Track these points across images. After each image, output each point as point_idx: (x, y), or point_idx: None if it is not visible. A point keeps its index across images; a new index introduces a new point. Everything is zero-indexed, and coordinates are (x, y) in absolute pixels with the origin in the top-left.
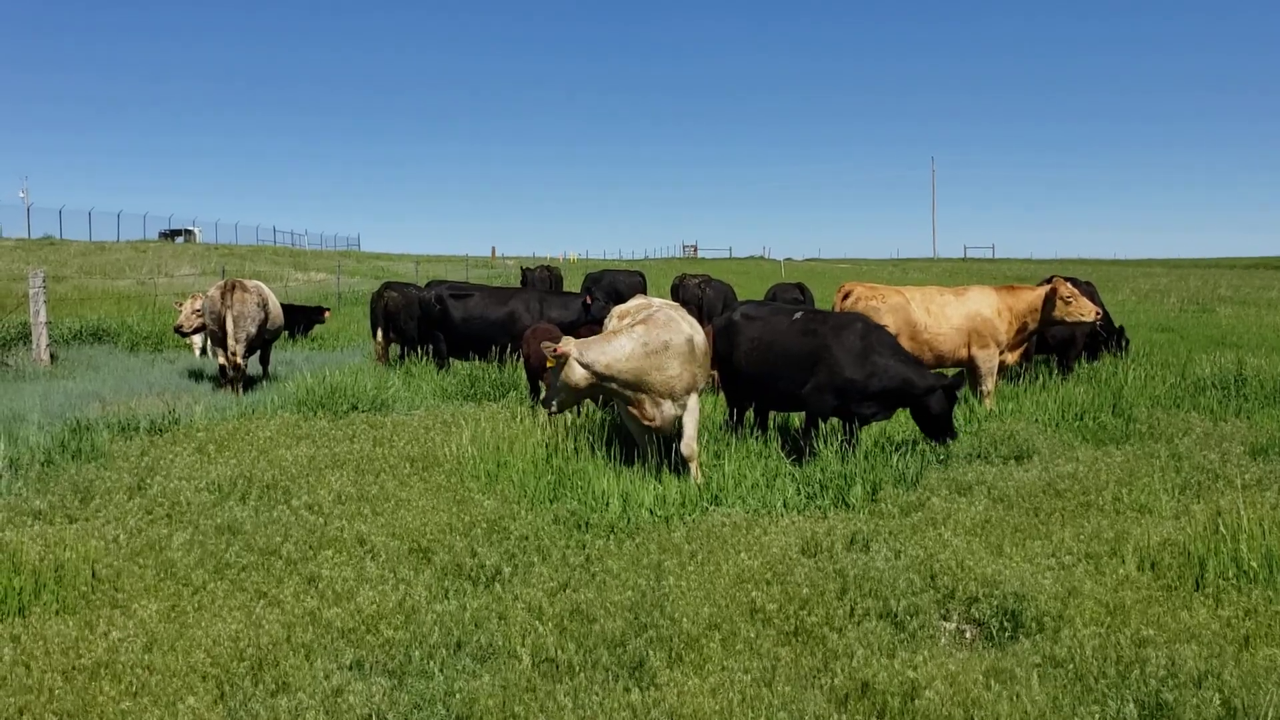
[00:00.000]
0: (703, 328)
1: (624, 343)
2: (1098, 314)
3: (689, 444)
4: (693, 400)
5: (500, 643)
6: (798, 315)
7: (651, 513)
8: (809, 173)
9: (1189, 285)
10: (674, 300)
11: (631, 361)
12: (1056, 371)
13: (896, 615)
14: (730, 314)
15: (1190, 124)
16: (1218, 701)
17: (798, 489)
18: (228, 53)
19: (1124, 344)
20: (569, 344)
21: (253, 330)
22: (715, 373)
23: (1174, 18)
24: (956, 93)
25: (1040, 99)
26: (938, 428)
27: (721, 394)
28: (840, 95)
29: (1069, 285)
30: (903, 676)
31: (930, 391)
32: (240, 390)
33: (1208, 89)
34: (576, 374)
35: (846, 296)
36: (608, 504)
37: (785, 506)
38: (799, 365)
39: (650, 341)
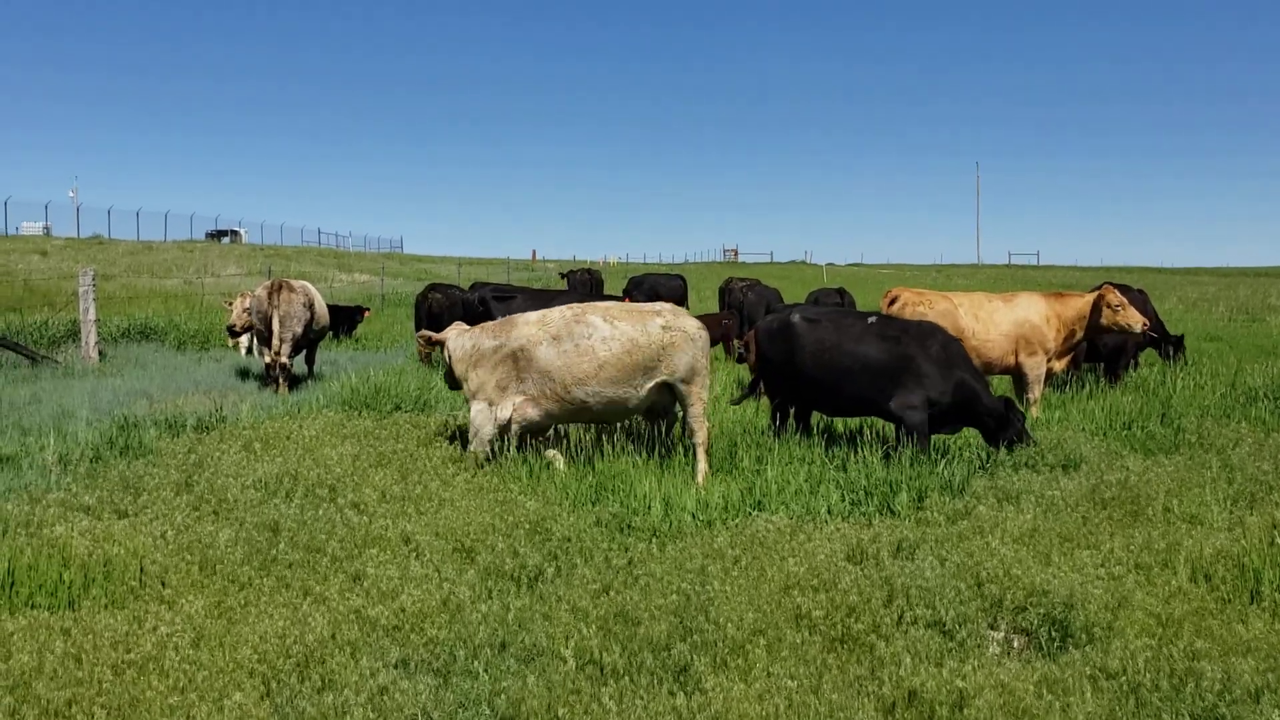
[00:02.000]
0: (745, 331)
1: (465, 342)
2: (1145, 324)
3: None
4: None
5: (544, 644)
6: (872, 320)
7: (694, 517)
8: (852, 177)
9: (1238, 294)
10: (720, 303)
11: (463, 363)
12: (1104, 380)
13: (944, 624)
14: (785, 316)
15: (1239, 132)
16: (1277, 717)
17: (842, 495)
18: (276, 55)
19: (1177, 353)
20: (455, 329)
21: (299, 330)
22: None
23: (1222, 25)
24: (1001, 98)
25: (1087, 105)
26: (1009, 438)
27: (764, 398)
28: (884, 100)
29: (1118, 294)
30: (951, 685)
31: (992, 412)
32: (286, 389)
33: (1257, 96)
34: (446, 354)
35: (893, 302)
36: (649, 507)
37: (830, 513)
38: (876, 371)
39: (480, 346)
